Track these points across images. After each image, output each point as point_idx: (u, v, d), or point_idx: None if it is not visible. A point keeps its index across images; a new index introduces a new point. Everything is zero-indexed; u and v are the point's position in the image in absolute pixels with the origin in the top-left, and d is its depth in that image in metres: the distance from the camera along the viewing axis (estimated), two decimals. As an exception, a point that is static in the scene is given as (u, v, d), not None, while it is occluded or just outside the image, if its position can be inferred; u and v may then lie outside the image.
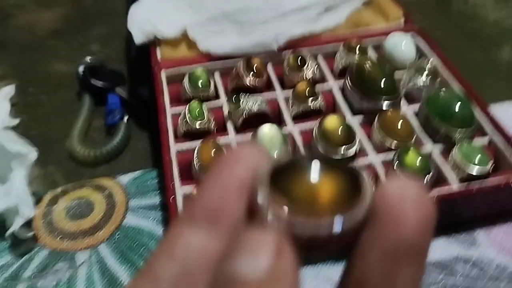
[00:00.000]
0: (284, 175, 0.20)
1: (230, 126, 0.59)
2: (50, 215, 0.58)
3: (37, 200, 0.59)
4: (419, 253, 0.19)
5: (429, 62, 0.62)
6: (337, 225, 0.19)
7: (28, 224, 0.55)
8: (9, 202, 0.54)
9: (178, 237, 0.20)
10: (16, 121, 0.69)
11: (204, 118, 0.58)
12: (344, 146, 0.55)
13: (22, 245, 0.55)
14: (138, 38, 0.67)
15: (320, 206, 0.19)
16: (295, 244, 0.18)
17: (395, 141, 0.56)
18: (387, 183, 0.19)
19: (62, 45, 0.83)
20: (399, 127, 0.57)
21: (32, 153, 0.57)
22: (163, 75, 0.65)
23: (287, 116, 0.60)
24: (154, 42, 0.68)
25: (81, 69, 0.73)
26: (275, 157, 0.23)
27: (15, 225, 0.54)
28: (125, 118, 0.68)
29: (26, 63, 0.80)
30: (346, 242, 0.20)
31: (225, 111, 0.61)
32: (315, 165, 0.20)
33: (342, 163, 0.22)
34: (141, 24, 0.67)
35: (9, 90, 0.73)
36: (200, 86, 0.62)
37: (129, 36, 0.70)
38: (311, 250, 0.19)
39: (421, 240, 0.18)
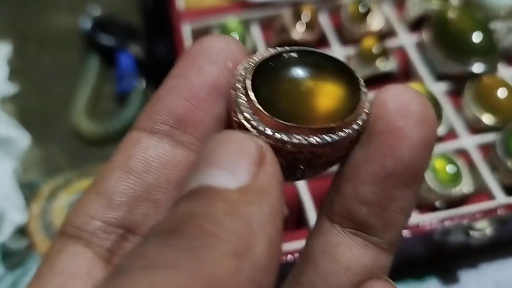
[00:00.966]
0: (266, 76, 0.17)
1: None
2: (49, 215, 0.46)
3: (34, 193, 0.47)
4: (416, 177, 0.17)
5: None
6: (326, 137, 0.17)
7: (20, 231, 0.44)
8: (-6, 204, 0.42)
9: (135, 148, 0.18)
10: (15, 89, 0.57)
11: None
12: (428, 126, 0.41)
13: (14, 256, 0.43)
14: (154, -18, 0.53)
15: (307, 113, 0.17)
16: (278, 156, 0.16)
17: (494, 118, 0.42)
18: (385, 91, 0.17)
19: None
20: (499, 98, 0.43)
21: (23, 139, 0.45)
22: (186, 28, 0.51)
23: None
24: (174, -13, 0.54)
25: (87, 23, 0.60)
26: (257, 52, 0.18)
27: (4, 235, 0.42)
28: (141, 84, 0.55)
29: (22, 17, 0.67)
30: (337, 158, 0.18)
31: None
32: (304, 63, 0.18)
33: (336, 60, 0.18)
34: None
35: (6, 50, 0.60)
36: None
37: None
38: (296, 166, 0.17)
39: (421, 162, 0.17)
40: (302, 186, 0.40)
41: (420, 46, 0.48)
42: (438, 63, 0.46)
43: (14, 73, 0.60)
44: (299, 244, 0.35)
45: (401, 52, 0.48)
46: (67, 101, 0.56)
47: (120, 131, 0.53)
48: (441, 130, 0.42)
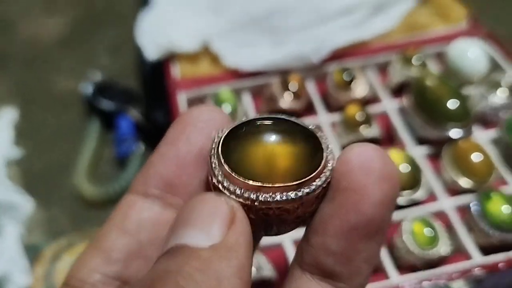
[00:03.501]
0: (239, 140, 0.19)
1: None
2: (52, 277, 0.48)
3: (37, 255, 0.49)
4: (379, 230, 0.18)
5: (507, 74, 0.51)
6: (290, 194, 0.18)
7: (24, 293, 0.46)
8: (0, 267, 0.45)
9: (130, 210, 0.20)
10: (20, 153, 0.60)
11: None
12: (408, 190, 0.44)
13: (17, 318, 0.46)
14: (151, 53, 0.57)
15: (274, 174, 0.18)
16: (250, 213, 0.18)
17: (470, 181, 0.45)
18: (349, 149, 0.18)
19: (68, 58, 0.73)
20: (474, 162, 0.45)
21: (27, 204, 0.47)
22: (182, 97, 0.54)
23: (335, 147, 0.48)
24: (170, 57, 0.57)
25: (89, 88, 0.63)
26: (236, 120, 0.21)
27: (8, 297, 0.44)
28: (140, 148, 0.58)
29: (28, 80, 0.70)
30: (307, 213, 0.19)
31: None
32: (272, 129, 0.19)
33: (304, 127, 0.20)
34: (153, 36, 0.57)
35: (12, 114, 0.64)
36: (227, 111, 0.51)
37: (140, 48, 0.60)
38: (268, 222, 0.19)
39: (383, 217, 0.18)
40: (290, 250, 0.42)
41: (402, 111, 0.51)
42: (418, 128, 0.49)
43: (18, 135, 0.63)
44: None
45: (385, 117, 0.51)
46: (69, 163, 0.59)
47: (120, 194, 0.55)
48: (421, 193, 0.45)
